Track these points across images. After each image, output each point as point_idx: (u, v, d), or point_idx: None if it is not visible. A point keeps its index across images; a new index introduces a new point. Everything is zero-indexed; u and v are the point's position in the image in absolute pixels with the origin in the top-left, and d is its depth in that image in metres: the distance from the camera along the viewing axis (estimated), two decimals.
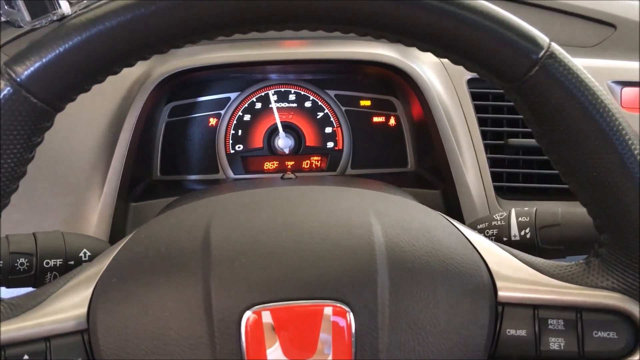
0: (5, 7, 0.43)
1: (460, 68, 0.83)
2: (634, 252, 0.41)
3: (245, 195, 0.49)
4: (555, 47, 0.39)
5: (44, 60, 0.37)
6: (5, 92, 0.37)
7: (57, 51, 0.37)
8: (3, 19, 0.44)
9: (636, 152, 0.39)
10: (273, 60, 0.81)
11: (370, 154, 0.91)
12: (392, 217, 0.45)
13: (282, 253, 0.41)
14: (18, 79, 0.37)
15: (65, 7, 0.42)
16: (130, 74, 0.79)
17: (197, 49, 0.82)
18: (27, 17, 0.42)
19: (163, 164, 0.87)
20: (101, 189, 0.71)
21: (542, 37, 0.39)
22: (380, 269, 0.41)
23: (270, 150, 0.90)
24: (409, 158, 0.90)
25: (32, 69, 0.37)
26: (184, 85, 0.87)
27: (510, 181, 0.78)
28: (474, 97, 0.81)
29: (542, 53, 0.39)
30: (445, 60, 0.84)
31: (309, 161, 0.91)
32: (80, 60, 0.38)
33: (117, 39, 0.37)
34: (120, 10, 0.37)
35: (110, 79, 0.80)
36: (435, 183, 0.83)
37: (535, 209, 0.56)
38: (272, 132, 0.90)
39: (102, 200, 0.71)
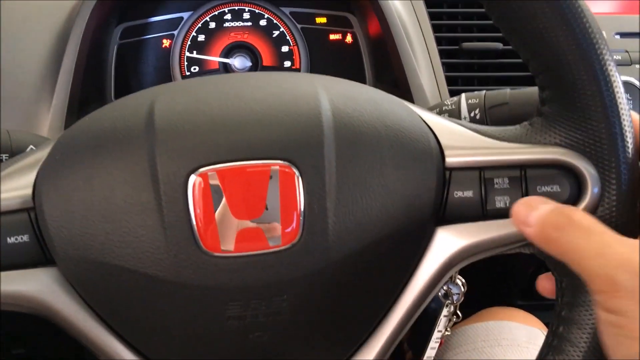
0: None
1: None
2: (575, 105, 0.41)
3: (191, 80, 0.48)
4: None
5: None
6: None
7: None
8: None
9: (576, 4, 0.39)
10: None
11: (328, 72, 0.89)
12: (339, 88, 0.45)
13: (228, 119, 0.41)
14: None
15: None
16: None
17: None
18: None
19: (117, 87, 0.86)
20: (50, 101, 0.70)
21: None
22: (327, 131, 0.41)
23: (227, 71, 0.89)
24: (367, 74, 0.90)
25: None
26: (134, 5, 0.84)
27: (465, 85, 0.78)
28: (428, 5, 0.80)
29: None
30: None
31: None
32: None
33: None
34: None
35: None
36: (393, 92, 0.82)
37: (484, 91, 0.57)
38: (228, 52, 0.89)
39: (51, 113, 0.69)
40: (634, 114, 0.42)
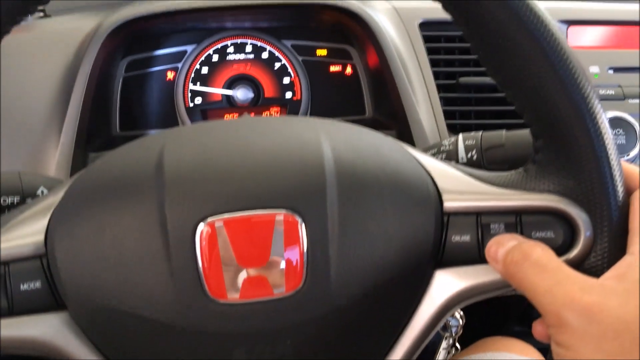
0: None
1: (413, 12, 0.85)
2: (567, 154, 0.43)
3: (198, 125, 0.50)
4: None
5: None
6: None
7: None
8: None
9: (565, 56, 0.41)
10: (227, 6, 0.81)
11: (328, 103, 0.93)
12: (341, 135, 0.47)
13: (234, 168, 0.42)
14: None
15: None
16: (83, 27, 0.79)
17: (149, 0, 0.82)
18: None
19: (122, 119, 0.87)
20: (58, 138, 0.72)
21: None
22: (329, 180, 0.42)
23: (230, 103, 0.91)
24: (367, 105, 0.92)
25: None
26: (140, 39, 0.86)
27: (462, 119, 0.80)
28: (426, 39, 0.82)
29: None
30: (398, 5, 0.86)
31: (268, 112, 0.92)
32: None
33: None
34: None
35: (64, 31, 0.80)
36: (391, 125, 0.84)
37: (481, 132, 0.59)
38: (231, 84, 0.91)
39: (59, 149, 0.71)
40: (624, 163, 0.44)
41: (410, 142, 0.77)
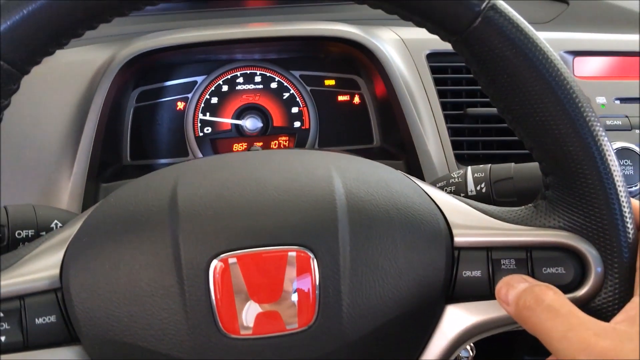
0: None
1: (420, 44, 0.86)
2: (577, 192, 0.43)
3: (210, 159, 0.50)
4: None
5: (8, 23, 0.38)
6: None
7: (22, 14, 0.38)
8: None
9: (574, 95, 0.42)
10: (237, 39, 0.83)
11: (336, 132, 0.94)
12: (352, 171, 0.47)
13: (247, 204, 0.43)
14: None
15: None
16: (96, 59, 0.80)
17: (161, 32, 0.83)
18: None
19: (132, 149, 0.88)
20: (71, 169, 0.72)
21: None
22: (341, 216, 0.43)
23: (239, 132, 0.92)
24: (374, 134, 0.93)
25: None
26: (151, 70, 0.88)
27: (470, 149, 0.81)
28: (434, 70, 0.83)
29: (484, 5, 0.41)
30: (405, 37, 0.87)
31: (277, 141, 0.93)
32: (43, 22, 0.39)
33: (79, 0, 0.39)
34: None
35: (78, 63, 0.81)
36: (399, 155, 0.85)
37: (489, 165, 0.59)
38: (240, 113, 0.92)
39: (72, 180, 0.72)
40: (634, 201, 0.44)
41: (419, 172, 0.78)
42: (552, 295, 0.40)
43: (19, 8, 0.39)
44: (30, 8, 0.39)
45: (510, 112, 0.44)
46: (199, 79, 0.91)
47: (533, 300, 0.40)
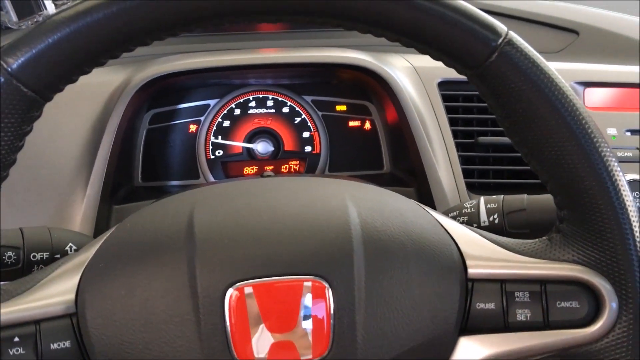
0: None
1: (431, 71, 0.87)
2: (592, 226, 0.43)
3: (226, 186, 0.51)
4: (513, 35, 0.42)
5: (34, 51, 0.39)
6: None
7: (47, 43, 0.39)
8: None
9: (589, 130, 0.42)
10: (250, 65, 0.84)
11: (347, 157, 0.94)
12: (366, 200, 0.48)
13: (263, 233, 0.43)
14: (9, 69, 0.39)
15: (50, 8, 0.44)
16: (112, 81, 0.81)
17: (176, 56, 0.84)
18: (14, 18, 0.45)
19: (144, 170, 0.89)
20: (84, 191, 0.73)
21: (501, 26, 0.42)
22: (356, 246, 0.43)
23: (250, 155, 0.93)
24: (385, 160, 0.93)
25: (22, 59, 0.39)
26: (165, 93, 0.89)
27: (481, 178, 0.81)
28: (445, 99, 0.84)
29: (500, 40, 0.42)
30: (417, 64, 0.88)
31: (287, 165, 0.93)
32: (67, 51, 0.40)
33: (102, 31, 0.40)
34: (107, 3, 0.39)
35: (93, 85, 0.82)
36: (410, 182, 0.85)
37: (502, 196, 0.59)
38: (252, 137, 0.93)
39: (85, 202, 0.72)
40: None
41: (430, 200, 0.78)
42: None
43: (44, 37, 0.39)
44: (56, 37, 0.39)
45: (526, 145, 0.44)
46: (212, 102, 0.92)
47: None
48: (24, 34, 0.40)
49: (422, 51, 0.44)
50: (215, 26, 0.41)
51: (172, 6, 0.39)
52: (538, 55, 0.43)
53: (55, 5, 0.44)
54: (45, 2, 0.44)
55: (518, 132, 0.44)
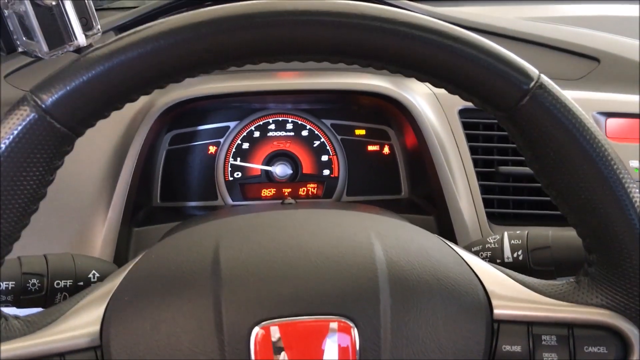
0: (24, 38, 0.45)
1: (452, 98, 0.86)
2: (621, 271, 0.43)
3: (251, 218, 0.51)
4: (544, 78, 0.42)
5: (67, 88, 0.39)
6: (30, 117, 0.39)
7: (80, 80, 0.39)
8: (21, 50, 0.46)
9: (621, 176, 0.42)
10: (270, 91, 0.84)
11: (365, 182, 0.94)
12: (392, 237, 0.47)
13: (289, 271, 0.43)
14: (43, 106, 0.39)
15: (81, 39, 0.44)
16: (134, 105, 0.81)
17: (197, 80, 0.85)
18: (45, 48, 0.45)
19: (163, 191, 0.89)
20: (105, 214, 0.73)
21: (532, 69, 0.42)
22: (382, 286, 0.43)
23: (268, 178, 0.93)
24: (403, 185, 0.93)
25: (56, 96, 0.39)
26: (185, 115, 0.89)
27: (501, 207, 0.81)
28: (465, 126, 0.84)
29: (532, 84, 0.42)
30: (437, 91, 0.88)
31: (305, 188, 0.93)
32: (101, 89, 0.40)
33: (136, 69, 0.40)
34: (141, 41, 0.40)
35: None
36: (429, 209, 0.85)
37: (527, 232, 0.59)
38: (270, 160, 0.93)
39: (106, 226, 0.73)
40: None
41: (450, 230, 0.78)
42: None
43: (79, 74, 0.40)
44: (90, 75, 0.40)
45: (555, 188, 0.44)
46: (232, 124, 0.92)
47: None
48: (58, 71, 0.40)
49: (452, 92, 0.44)
50: (245, 64, 0.42)
51: (213, 45, 0.40)
52: (569, 99, 0.43)
53: (86, 36, 0.44)
54: (76, 32, 0.44)
55: (547, 175, 0.44)
